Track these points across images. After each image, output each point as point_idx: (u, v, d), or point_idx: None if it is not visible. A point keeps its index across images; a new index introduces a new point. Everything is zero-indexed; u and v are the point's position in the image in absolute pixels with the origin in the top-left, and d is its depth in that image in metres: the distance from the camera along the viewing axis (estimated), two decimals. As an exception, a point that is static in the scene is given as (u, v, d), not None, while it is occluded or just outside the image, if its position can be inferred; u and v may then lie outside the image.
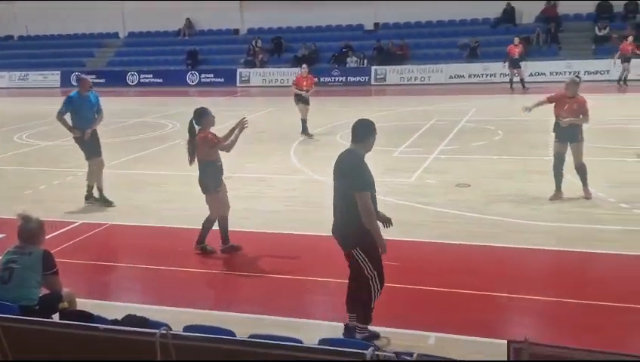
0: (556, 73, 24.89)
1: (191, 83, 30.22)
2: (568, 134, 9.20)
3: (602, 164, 11.27)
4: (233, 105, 23.43)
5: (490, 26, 28.70)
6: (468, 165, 11.81)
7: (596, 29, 26.39)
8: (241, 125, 7.54)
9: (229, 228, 7.79)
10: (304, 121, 15.24)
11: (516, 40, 22.43)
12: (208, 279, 7.29)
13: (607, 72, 23.84)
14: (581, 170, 9.41)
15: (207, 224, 7.73)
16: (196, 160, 7.59)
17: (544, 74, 25.06)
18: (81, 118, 9.76)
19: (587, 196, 9.35)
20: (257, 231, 8.56)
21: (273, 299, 6.48)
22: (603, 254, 7.36)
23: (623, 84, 22.73)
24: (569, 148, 9.36)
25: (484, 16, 28.84)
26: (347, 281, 5.44)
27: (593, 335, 5.53)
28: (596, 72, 24.51)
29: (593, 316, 5.92)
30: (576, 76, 10.60)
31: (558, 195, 9.39)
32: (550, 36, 26.99)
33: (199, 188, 7.70)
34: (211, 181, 7.55)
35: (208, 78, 30.12)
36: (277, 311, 6.11)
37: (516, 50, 22.07)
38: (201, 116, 7.58)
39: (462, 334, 5.50)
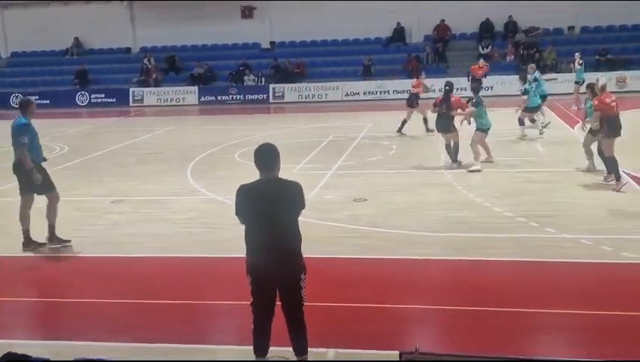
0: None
1: (80, 103, 29.04)
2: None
3: (486, 176, 11.85)
4: (127, 126, 22.70)
5: (382, 45, 29.65)
6: (365, 180, 12.05)
7: (480, 47, 27.91)
8: None
9: (122, 254, 7.50)
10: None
11: (481, 61, 22.56)
12: (96, 308, 6.91)
13: (491, 88, 25.19)
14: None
15: None
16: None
17: (434, 90, 26.08)
18: (36, 147, 8.40)
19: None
20: (150, 256, 8.30)
21: (166, 326, 6.25)
22: (491, 261, 7.69)
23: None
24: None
25: (375, 35, 29.77)
26: (256, 313, 5.03)
27: (482, 340, 5.74)
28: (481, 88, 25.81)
29: (482, 321, 6.15)
30: None
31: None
32: (439, 55, 28.26)
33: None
34: None
35: (99, 98, 29.06)
36: (171, 338, 5.90)
37: (480, 71, 22.11)
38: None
39: (358, 348, 5.55)
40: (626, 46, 26.89)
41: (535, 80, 16.10)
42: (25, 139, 8.16)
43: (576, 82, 20.59)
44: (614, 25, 27.84)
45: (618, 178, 10.45)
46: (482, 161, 12.44)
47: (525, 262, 7.59)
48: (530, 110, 15.51)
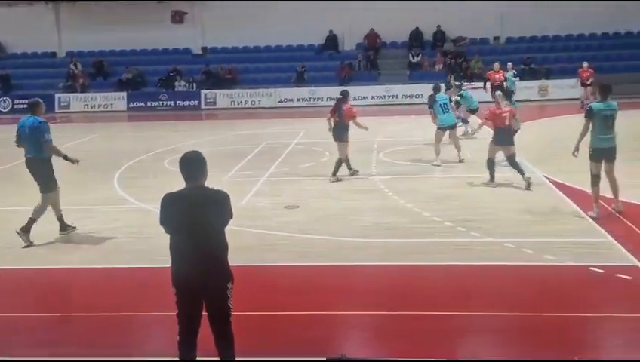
0: (377, 97, 26.48)
1: (2, 110, 27.81)
2: None
3: (416, 181, 12.07)
4: (52, 133, 21.83)
5: (315, 52, 29.81)
6: (297, 186, 12.04)
7: (410, 56, 28.50)
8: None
9: (42, 266, 7.18)
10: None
11: (496, 66, 22.69)
12: (11, 322, 6.59)
13: (421, 95, 25.71)
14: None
15: None
16: None
17: (366, 97, 26.51)
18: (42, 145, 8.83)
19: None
20: (72, 268, 8.02)
21: (88, 339, 6.03)
22: (419, 266, 7.81)
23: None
24: None
25: (308, 42, 29.91)
26: (181, 324, 4.87)
27: (410, 344, 5.81)
28: (411, 96, 26.40)
29: (410, 325, 6.23)
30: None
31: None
32: (370, 62, 28.67)
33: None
34: None
35: (22, 104, 27.77)
36: (94, 351, 5.69)
37: (496, 76, 22.14)
38: None
39: (287, 355, 5.51)
40: (548, 56, 28.08)
41: (462, 96, 16.18)
42: (49, 136, 8.77)
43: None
44: (537, 35, 29.02)
45: (492, 179, 11.49)
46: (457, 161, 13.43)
47: (452, 265, 7.74)
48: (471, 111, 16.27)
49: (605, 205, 9.56)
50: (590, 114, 9.15)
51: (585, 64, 22.20)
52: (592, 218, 9.16)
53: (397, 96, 26.65)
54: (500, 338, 6.05)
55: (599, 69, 23.31)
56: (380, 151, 15.35)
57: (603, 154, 9.12)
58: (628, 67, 26.13)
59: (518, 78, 21.76)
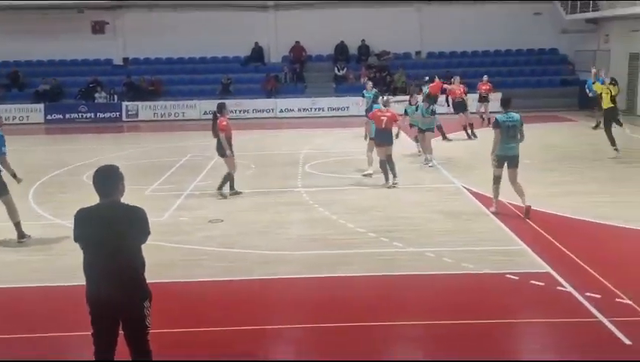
0: (303, 109, 26.64)
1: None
2: None
3: (341, 193, 12.20)
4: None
5: (240, 64, 29.68)
6: (222, 200, 11.88)
7: (336, 69, 28.85)
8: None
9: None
10: None
11: (485, 78, 22.73)
12: None
13: (348, 108, 26.04)
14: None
15: None
16: None
17: (292, 110, 26.61)
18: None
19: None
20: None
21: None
22: (344, 277, 7.86)
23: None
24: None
25: (234, 54, 29.74)
26: (97, 344, 4.70)
27: (335, 356, 5.84)
28: (338, 109, 26.69)
29: (336, 337, 6.27)
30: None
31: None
32: (297, 75, 28.82)
33: None
34: None
35: None
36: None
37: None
38: None
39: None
40: (467, 70, 29.05)
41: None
42: (5, 149, 9.37)
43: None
44: (456, 50, 30.04)
45: (386, 179, 12.51)
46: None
47: (376, 276, 7.85)
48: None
49: (519, 213, 10.02)
50: (497, 124, 10.08)
51: (485, 78, 22.96)
52: (493, 213, 10.27)
53: (323, 108, 26.84)
54: (424, 346, 6.18)
55: (503, 84, 24.46)
56: (306, 163, 15.40)
57: (506, 160, 10.11)
58: (528, 82, 27.70)
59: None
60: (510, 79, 27.56)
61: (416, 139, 15.90)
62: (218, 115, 12.04)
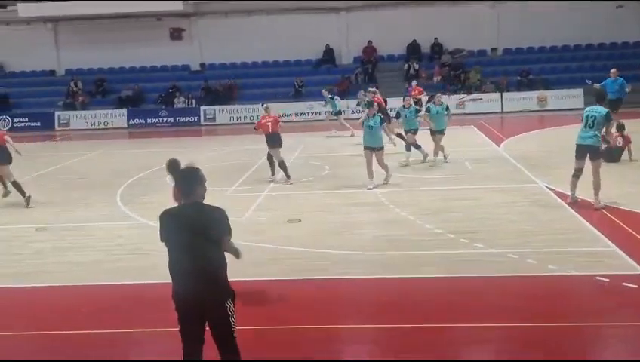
0: (376, 110, 26.50)
1: (2, 128, 27.81)
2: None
3: (413, 194, 12.07)
4: (52, 151, 21.94)
5: (312, 67, 29.93)
6: (298, 201, 12.03)
7: (408, 67, 28.59)
8: None
9: (46, 284, 7.15)
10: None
11: (414, 83, 22.92)
12: (25, 341, 6.59)
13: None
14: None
15: None
16: None
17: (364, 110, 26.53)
18: None
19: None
20: (76, 285, 8.00)
21: (95, 356, 6.01)
22: (423, 279, 7.77)
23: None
24: None
25: (306, 57, 30.03)
26: (184, 341, 4.84)
27: (414, 356, 5.80)
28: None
29: (420, 338, 6.22)
30: None
31: None
32: (368, 76, 28.77)
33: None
34: None
35: (22, 122, 27.97)
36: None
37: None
38: None
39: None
40: (544, 66, 28.21)
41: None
42: None
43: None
44: (534, 46, 29.16)
45: (273, 173, 13.68)
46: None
47: (457, 277, 7.73)
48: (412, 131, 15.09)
49: (607, 213, 9.63)
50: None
51: (414, 83, 23.23)
52: (567, 204, 10.53)
53: (395, 108, 26.67)
54: (504, 349, 6.04)
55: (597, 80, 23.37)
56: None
57: (581, 149, 10.29)
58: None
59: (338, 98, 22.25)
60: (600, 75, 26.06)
61: (408, 148, 15.07)
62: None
